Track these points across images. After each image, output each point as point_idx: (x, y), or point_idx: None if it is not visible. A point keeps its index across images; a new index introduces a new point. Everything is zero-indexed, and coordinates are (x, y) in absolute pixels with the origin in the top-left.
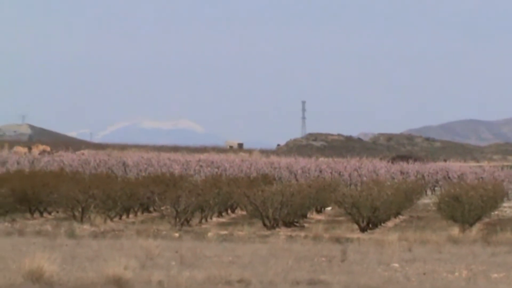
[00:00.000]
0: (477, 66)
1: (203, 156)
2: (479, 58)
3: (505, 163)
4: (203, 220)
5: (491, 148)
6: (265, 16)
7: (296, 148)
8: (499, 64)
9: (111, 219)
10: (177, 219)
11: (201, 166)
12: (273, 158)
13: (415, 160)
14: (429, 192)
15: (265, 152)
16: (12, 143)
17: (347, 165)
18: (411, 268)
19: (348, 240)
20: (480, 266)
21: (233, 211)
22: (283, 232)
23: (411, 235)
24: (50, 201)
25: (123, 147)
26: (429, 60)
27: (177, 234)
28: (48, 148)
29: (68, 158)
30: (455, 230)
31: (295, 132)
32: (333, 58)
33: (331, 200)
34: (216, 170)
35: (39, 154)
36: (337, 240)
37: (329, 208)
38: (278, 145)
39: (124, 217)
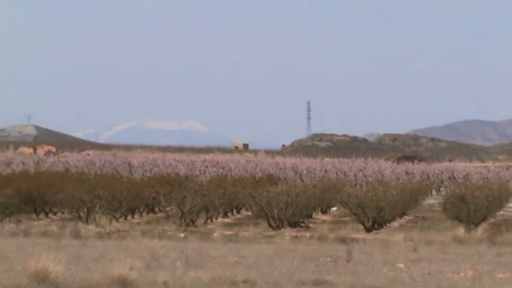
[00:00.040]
0: (482, 66)
1: (208, 157)
2: (484, 58)
3: (510, 163)
4: (209, 221)
5: (496, 148)
6: (270, 16)
7: (301, 148)
8: (505, 64)
9: (117, 220)
10: (183, 220)
11: (206, 166)
12: (278, 159)
13: (420, 160)
14: (434, 193)
15: (270, 153)
16: (17, 144)
17: (352, 166)
18: (416, 269)
19: (353, 240)
20: (486, 266)
21: (238, 212)
22: (288, 232)
23: (417, 235)
24: (56, 201)
25: (128, 148)
26: (435, 60)
27: (182, 235)
28: (54, 149)
29: (73, 159)
30: (460, 231)
31: (300, 133)
32: (338, 58)
33: (337, 200)
34: (221, 170)
35: (45, 154)
36: (343, 240)
37: (334, 209)
38: (283, 145)
39: (129, 217)
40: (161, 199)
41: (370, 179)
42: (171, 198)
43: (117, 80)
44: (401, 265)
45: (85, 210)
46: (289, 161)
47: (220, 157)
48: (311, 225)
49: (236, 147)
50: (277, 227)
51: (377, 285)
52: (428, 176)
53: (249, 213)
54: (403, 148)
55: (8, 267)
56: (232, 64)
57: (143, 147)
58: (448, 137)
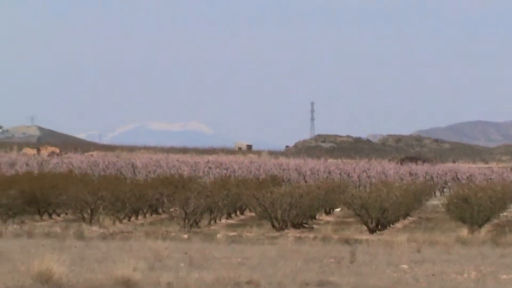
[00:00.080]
0: (486, 67)
1: (211, 158)
2: (488, 59)
3: None
4: (212, 222)
5: (500, 149)
6: (274, 17)
7: (304, 149)
8: (509, 65)
9: (120, 221)
10: (186, 221)
11: (210, 167)
12: (282, 160)
13: (424, 161)
14: (438, 194)
15: (273, 154)
16: (21, 145)
17: (356, 167)
18: (420, 269)
19: (357, 241)
20: (489, 267)
21: (242, 213)
22: (292, 233)
23: (420, 236)
24: (59, 202)
25: (131, 149)
26: (438, 61)
27: (186, 236)
28: (57, 150)
29: (77, 160)
30: (464, 231)
31: (303, 134)
32: (342, 59)
33: (340, 201)
34: (225, 171)
35: (48, 155)
36: (346, 241)
37: (338, 210)
38: (287, 146)
39: (133, 218)
40: (165, 200)
41: (373, 180)
42: (175, 199)
43: (120, 81)
44: (405, 266)
45: (89, 211)
46: (292, 162)
47: (223, 158)
48: (314, 226)
49: (239, 148)
50: (281, 228)
51: (381, 286)
52: (431, 177)
53: (253, 214)
54: (407, 149)
55: (12, 268)
56: (235, 65)
57: (147, 148)
58: (451, 138)
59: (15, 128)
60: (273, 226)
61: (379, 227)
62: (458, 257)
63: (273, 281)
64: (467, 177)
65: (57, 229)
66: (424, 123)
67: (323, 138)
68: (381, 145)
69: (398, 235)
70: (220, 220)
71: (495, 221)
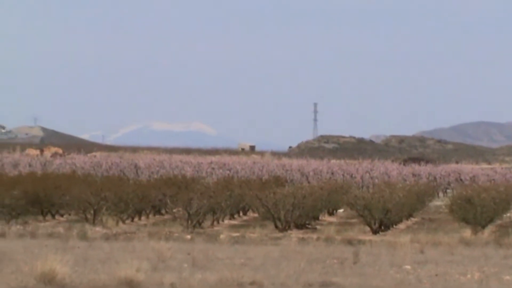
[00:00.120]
0: (489, 68)
1: (215, 158)
2: (491, 60)
3: None
4: (215, 222)
5: (503, 150)
6: (278, 18)
7: (307, 150)
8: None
9: (123, 221)
10: (189, 221)
11: (213, 168)
12: (285, 160)
13: (427, 162)
14: (441, 194)
15: (277, 154)
16: (24, 146)
17: (359, 167)
18: (423, 270)
19: (360, 242)
20: (492, 268)
21: (245, 213)
22: (295, 234)
23: (423, 237)
24: (62, 203)
25: (135, 150)
26: (442, 62)
27: (189, 236)
28: (60, 151)
29: (80, 161)
30: (467, 232)
31: (307, 134)
32: (345, 60)
33: (343, 202)
34: (228, 172)
35: (51, 156)
36: (349, 242)
37: (341, 210)
38: (290, 147)
39: (136, 219)
40: (168, 201)
41: (376, 180)
42: (178, 200)
43: (124, 82)
44: (408, 267)
45: (92, 211)
46: (295, 162)
47: (226, 158)
48: (317, 227)
49: (242, 149)
50: (284, 229)
51: (384, 286)
52: (434, 178)
53: (256, 215)
54: (410, 149)
55: (15, 268)
56: (239, 65)
57: (150, 149)
58: (454, 139)
59: (18, 128)
60: (276, 226)
61: (382, 227)
62: (461, 258)
63: (276, 281)
64: (470, 178)
65: (60, 229)
66: (427, 124)
67: (326, 138)
68: (384, 146)
69: (401, 236)
70: (223, 220)
71: (499, 222)
